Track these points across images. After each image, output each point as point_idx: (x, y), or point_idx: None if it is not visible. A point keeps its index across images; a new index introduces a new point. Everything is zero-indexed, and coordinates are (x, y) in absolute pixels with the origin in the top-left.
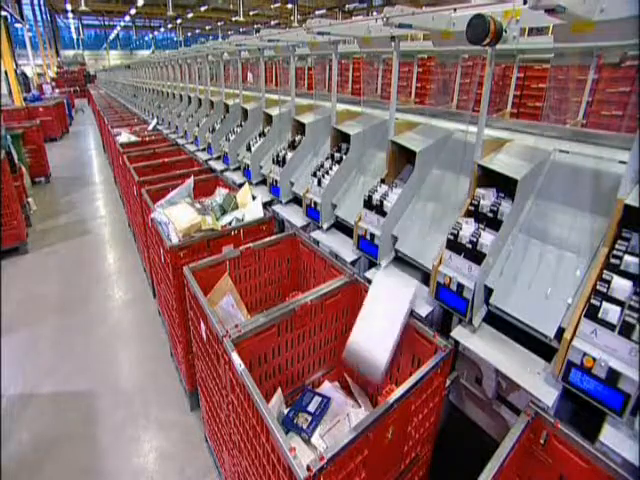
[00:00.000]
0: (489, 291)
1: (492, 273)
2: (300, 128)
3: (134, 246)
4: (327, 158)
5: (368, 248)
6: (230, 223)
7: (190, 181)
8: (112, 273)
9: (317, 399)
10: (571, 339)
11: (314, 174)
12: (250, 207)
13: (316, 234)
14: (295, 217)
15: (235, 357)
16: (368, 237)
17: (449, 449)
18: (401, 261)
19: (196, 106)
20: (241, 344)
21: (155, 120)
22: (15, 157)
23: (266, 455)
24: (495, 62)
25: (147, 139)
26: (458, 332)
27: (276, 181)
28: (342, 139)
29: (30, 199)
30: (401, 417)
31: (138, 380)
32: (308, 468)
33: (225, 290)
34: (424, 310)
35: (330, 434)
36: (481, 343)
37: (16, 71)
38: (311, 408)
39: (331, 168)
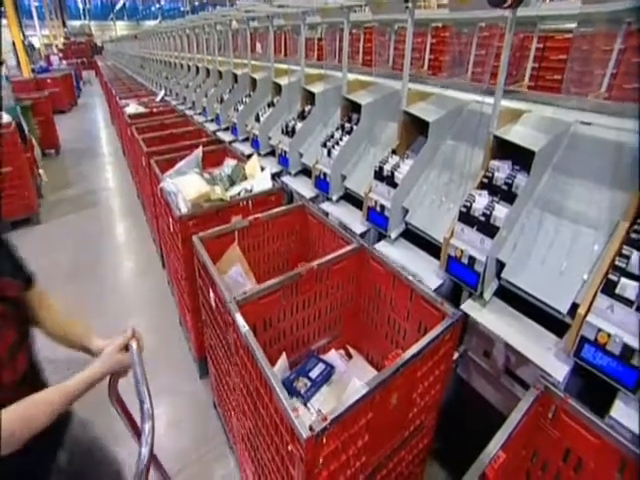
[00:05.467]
0: (501, 265)
1: (505, 247)
2: (310, 98)
3: (143, 217)
4: (337, 129)
5: (378, 220)
6: (239, 194)
7: (199, 151)
8: (122, 243)
9: (321, 366)
10: (585, 315)
11: (324, 145)
12: (259, 178)
13: (325, 205)
14: (304, 188)
15: (239, 318)
16: (378, 209)
17: (456, 422)
18: (411, 234)
19: (204, 76)
20: (246, 306)
21: (163, 91)
22: (25, 128)
23: (269, 416)
24: (514, 30)
25: (155, 110)
26: (468, 305)
27: (285, 152)
28: (353, 109)
29: (41, 170)
30: (406, 383)
31: (148, 348)
32: (310, 428)
33: (234, 260)
34: (434, 283)
35: (328, 403)
36: (491, 317)
37: (24, 42)
38: (313, 374)
39: (341, 139)
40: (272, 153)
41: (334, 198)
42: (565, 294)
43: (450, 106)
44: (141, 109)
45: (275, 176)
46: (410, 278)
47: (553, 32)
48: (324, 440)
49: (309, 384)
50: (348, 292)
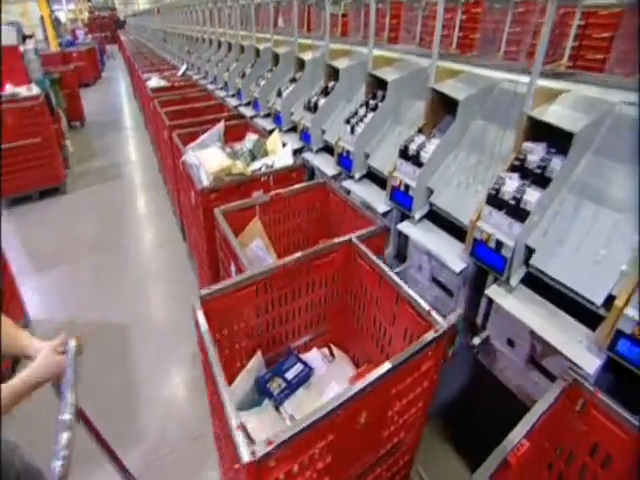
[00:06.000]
0: (530, 251)
1: (535, 233)
2: (334, 74)
3: (164, 190)
4: (361, 105)
5: (402, 199)
6: (260, 169)
7: (221, 125)
8: (143, 216)
9: (298, 367)
10: (623, 307)
11: (347, 121)
12: (280, 154)
13: (347, 183)
14: (326, 165)
15: (200, 316)
16: (402, 188)
17: (476, 411)
18: (435, 215)
19: (226, 51)
20: (215, 301)
21: (185, 65)
22: (53, 100)
23: (224, 426)
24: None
25: (177, 84)
26: (493, 291)
27: (307, 128)
28: (378, 86)
29: (68, 142)
30: (377, 401)
31: (169, 318)
32: (253, 453)
33: (255, 233)
34: (458, 266)
35: (301, 408)
36: (517, 304)
37: (51, 16)
38: (289, 375)
39: (365, 116)
40: (294, 129)
41: (356, 176)
42: (601, 285)
43: (481, 85)
44: (163, 83)
45: (296, 152)
46: (395, 279)
47: (596, 7)
48: (271, 463)
49: (284, 385)
50: (334, 288)
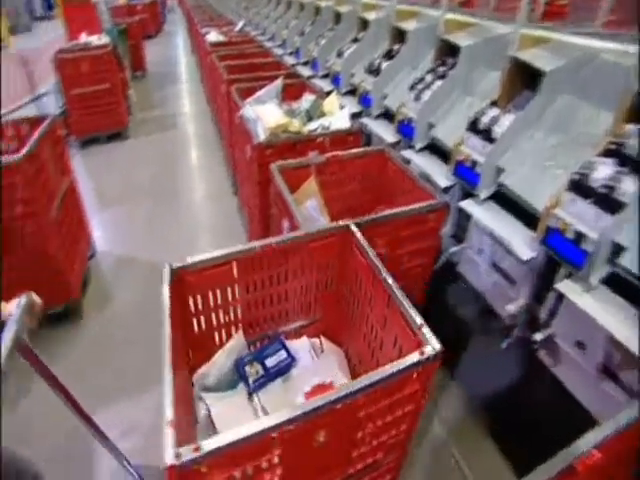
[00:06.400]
0: (618, 249)
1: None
2: (399, 36)
3: (218, 145)
4: (428, 72)
5: (467, 175)
6: (316, 130)
7: (279, 82)
8: (197, 167)
9: (281, 355)
10: None
11: (412, 87)
12: (337, 116)
13: (407, 153)
14: (385, 132)
15: (165, 289)
16: (469, 164)
17: (528, 409)
18: (502, 197)
19: (285, 7)
20: (191, 274)
21: (243, 21)
22: (120, 50)
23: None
24: None
25: (235, 40)
26: (566, 286)
27: (367, 92)
28: (448, 52)
29: (131, 90)
30: (341, 421)
31: None
32: (177, 455)
33: (310, 193)
34: (526, 254)
35: (275, 401)
36: (595, 304)
37: None
38: (269, 362)
39: (432, 83)
40: (352, 92)
41: (418, 146)
42: None
43: (573, 55)
44: (221, 38)
45: (354, 116)
46: (389, 280)
47: None
48: (203, 469)
49: (261, 373)
50: (329, 275)
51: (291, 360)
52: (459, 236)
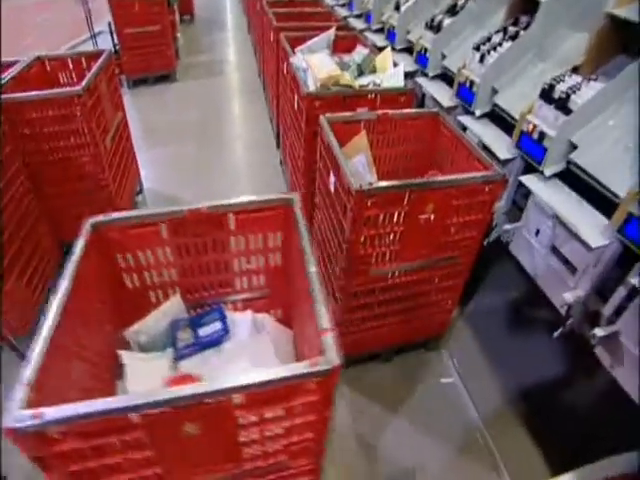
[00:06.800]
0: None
1: None
2: None
3: (262, 95)
4: (497, 31)
5: (533, 149)
6: (367, 86)
7: (331, 32)
8: (241, 116)
9: (216, 325)
10: None
11: (477, 48)
12: (390, 73)
13: (465, 119)
14: (441, 95)
15: (80, 241)
16: (536, 136)
17: (573, 407)
18: (570, 175)
19: None
20: (115, 231)
21: None
22: None
23: None
24: None
25: None
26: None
27: (425, 50)
28: (523, 10)
29: (179, 34)
30: (213, 418)
31: None
32: (17, 419)
33: (360, 148)
34: (595, 241)
35: (199, 373)
36: None
37: None
38: (203, 331)
39: (500, 44)
40: (408, 50)
41: (477, 112)
42: None
43: None
44: None
45: (407, 76)
46: (312, 269)
47: None
48: (54, 435)
49: (192, 341)
50: (270, 248)
51: (223, 333)
52: (513, 213)
